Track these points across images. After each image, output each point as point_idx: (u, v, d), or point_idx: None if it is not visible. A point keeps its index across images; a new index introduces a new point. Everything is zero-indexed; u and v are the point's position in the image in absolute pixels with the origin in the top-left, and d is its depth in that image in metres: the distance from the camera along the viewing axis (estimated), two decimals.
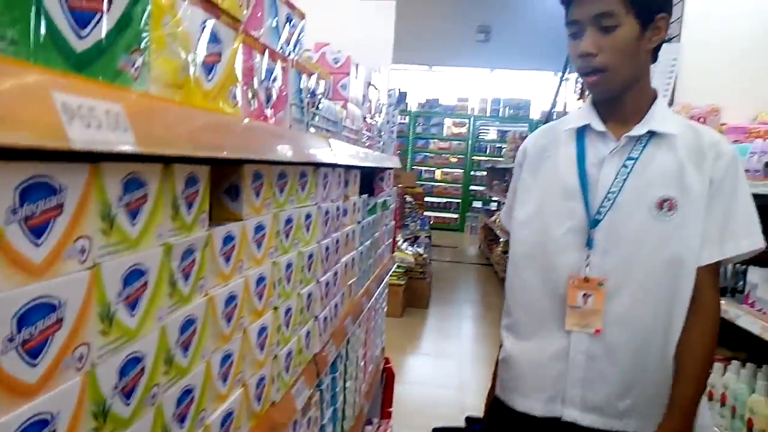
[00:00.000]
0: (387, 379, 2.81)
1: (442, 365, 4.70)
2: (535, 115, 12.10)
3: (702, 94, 3.86)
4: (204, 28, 0.66)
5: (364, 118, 1.81)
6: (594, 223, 1.25)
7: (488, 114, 12.81)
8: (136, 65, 0.52)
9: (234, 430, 0.80)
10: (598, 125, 1.28)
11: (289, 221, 1.02)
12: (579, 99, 5.61)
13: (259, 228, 0.88)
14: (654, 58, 1.28)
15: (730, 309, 2.19)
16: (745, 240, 1.24)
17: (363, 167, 1.68)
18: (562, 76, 7.41)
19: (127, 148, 0.44)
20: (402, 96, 12.37)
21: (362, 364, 2.07)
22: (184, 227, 0.63)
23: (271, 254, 0.93)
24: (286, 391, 1.03)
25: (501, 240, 7.84)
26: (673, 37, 4.12)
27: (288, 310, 1.03)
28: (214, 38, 0.68)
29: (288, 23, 1.13)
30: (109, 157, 0.47)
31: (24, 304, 0.38)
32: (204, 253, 0.68)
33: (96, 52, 0.46)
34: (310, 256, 1.16)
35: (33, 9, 0.39)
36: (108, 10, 0.47)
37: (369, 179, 2.27)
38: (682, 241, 1.22)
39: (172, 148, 0.52)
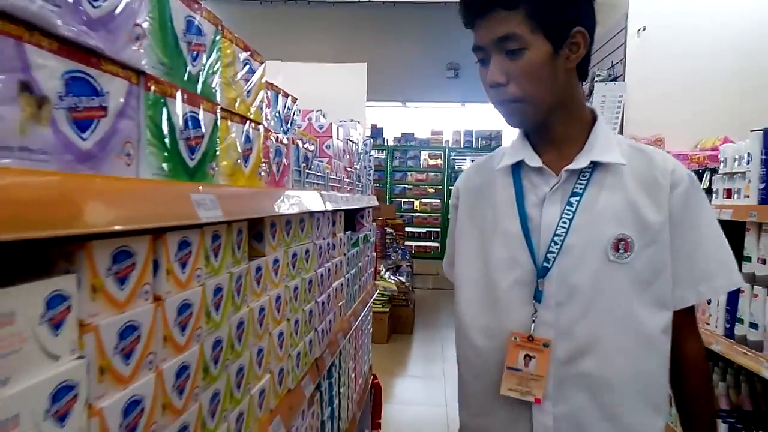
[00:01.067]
0: (375, 393, 3.14)
1: (429, 386, 5.01)
2: (506, 144, 12.65)
3: (647, 126, 4.35)
4: (242, 134, 1.04)
5: (345, 168, 2.20)
6: (543, 271, 1.09)
7: (462, 145, 13.35)
8: (213, 167, 0.89)
9: (266, 403, 1.15)
10: (533, 160, 1.14)
11: (294, 255, 1.39)
12: None
13: (276, 261, 1.25)
14: (582, 76, 1.13)
15: None
16: (722, 279, 1.12)
17: (346, 209, 2.06)
18: None
19: (220, 218, 0.81)
20: (379, 131, 12.90)
21: (353, 375, 2.41)
22: (236, 261, 1.00)
23: (284, 280, 1.30)
24: (297, 383, 1.39)
25: None
26: (618, 77, 4.62)
27: (296, 322, 1.39)
28: (248, 139, 1.06)
29: (286, 108, 1.52)
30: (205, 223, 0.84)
31: (180, 303, 0.74)
32: (246, 278, 1.05)
33: (198, 165, 0.83)
34: (310, 281, 1.53)
35: (177, 152, 0.77)
36: (203, 142, 0.85)
37: (351, 217, 2.64)
38: (647, 286, 1.08)
39: (235, 215, 0.90)
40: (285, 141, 1.35)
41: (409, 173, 13.37)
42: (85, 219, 0.52)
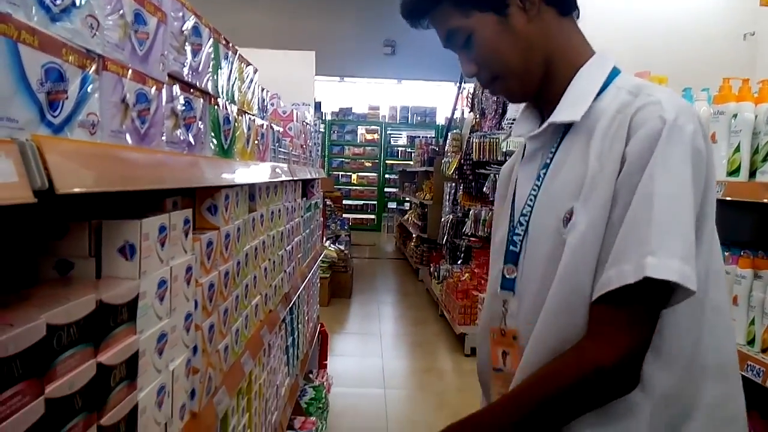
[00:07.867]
0: (322, 338, 3.64)
1: (366, 341, 5.57)
2: (440, 121, 13.26)
3: None
4: (246, 125, 1.49)
5: (301, 145, 2.65)
6: (509, 256, 0.99)
7: (398, 121, 13.89)
8: (235, 149, 1.35)
9: (258, 314, 1.63)
10: (517, 128, 1.05)
11: (272, 212, 1.85)
12: (470, 111, 6.66)
13: (261, 216, 1.71)
14: (565, 10, 0.99)
15: None
16: (630, 263, 0.80)
17: (303, 179, 2.52)
18: (459, 86, 8.42)
19: (237, 181, 1.27)
20: (317, 105, 13.20)
21: (306, 318, 2.90)
22: (240, 215, 1.46)
23: (267, 229, 1.76)
24: (275, 307, 1.86)
25: (414, 235, 8.85)
26: None
27: (273, 262, 1.86)
28: (248, 127, 1.51)
29: (262, 97, 1.96)
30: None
31: (225, 233, 1.21)
32: (246, 227, 1.51)
33: (229, 148, 1.29)
34: (281, 234, 2.00)
35: (222, 138, 1.22)
36: (232, 134, 1.30)
37: (304, 186, 3.10)
38: (579, 266, 0.87)
39: (246, 179, 1.36)
40: (265, 126, 1.80)
41: (346, 147, 13.81)
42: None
